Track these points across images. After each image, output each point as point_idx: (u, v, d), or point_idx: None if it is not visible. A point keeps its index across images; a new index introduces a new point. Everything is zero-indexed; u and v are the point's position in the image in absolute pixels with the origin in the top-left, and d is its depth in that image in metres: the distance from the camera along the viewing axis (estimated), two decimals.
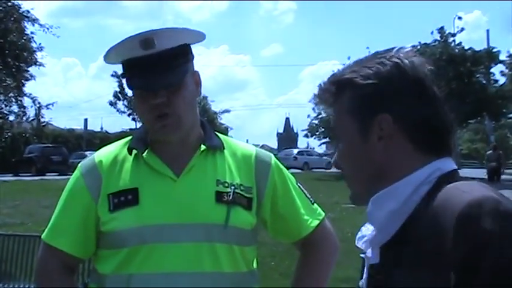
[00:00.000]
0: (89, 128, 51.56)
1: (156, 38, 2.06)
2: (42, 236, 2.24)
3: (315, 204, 2.34)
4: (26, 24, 19.65)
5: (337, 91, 1.43)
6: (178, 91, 2.09)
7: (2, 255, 5.94)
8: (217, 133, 2.28)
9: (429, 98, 1.35)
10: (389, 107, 1.34)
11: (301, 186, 2.34)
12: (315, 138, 45.44)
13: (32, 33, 20.03)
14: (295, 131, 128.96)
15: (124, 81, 2.18)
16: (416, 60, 1.38)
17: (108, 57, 2.15)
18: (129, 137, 2.26)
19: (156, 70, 2.07)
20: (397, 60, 1.37)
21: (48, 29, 19.90)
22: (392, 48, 1.42)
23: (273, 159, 2.29)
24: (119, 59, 2.12)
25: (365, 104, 1.37)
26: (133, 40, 2.06)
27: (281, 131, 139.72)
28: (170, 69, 2.08)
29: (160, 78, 2.06)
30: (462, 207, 1.15)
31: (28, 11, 19.64)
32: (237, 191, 2.14)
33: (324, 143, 45.29)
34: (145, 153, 2.16)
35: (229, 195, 2.12)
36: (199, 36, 2.22)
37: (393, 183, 1.33)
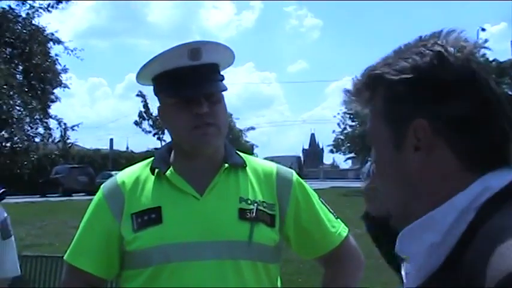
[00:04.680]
0: (114, 147, 51.88)
1: (204, 49, 2.09)
2: (65, 257, 2.25)
3: (339, 220, 2.32)
4: (50, 46, 19.88)
5: (370, 89, 1.17)
6: (219, 103, 2.13)
7: (31, 276, 5.95)
8: (237, 152, 2.28)
9: (481, 95, 1.07)
10: (427, 110, 1.07)
11: (323, 202, 2.33)
12: (340, 154, 45.37)
13: (56, 55, 20.25)
14: (320, 147, 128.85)
15: (159, 92, 2.18)
16: (467, 47, 1.10)
17: (149, 67, 2.13)
18: (151, 158, 2.27)
19: (200, 81, 2.09)
20: (439, 48, 1.09)
21: (72, 51, 20.10)
22: (440, 32, 1.13)
23: (294, 176, 2.28)
24: (162, 68, 2.11)
25: (397, 106, 1.11)
26: (182, 49, 2.08)
27: (306, 147, 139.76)
28: (213, 81, 2.13)
29: (205, 88, 2.10)
30: (504, 276, 0.90)
31: (52, 34, 19.88)
32: (260, 208, 2.13)
33: (349, 158, 45.10)
34: (167, 172, 2.16)
35: (253, 212, 2.11)
36: (233, 58, 2.24)
37: (431, 207, 1.07)
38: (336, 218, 2.31)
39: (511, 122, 1.09)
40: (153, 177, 2.17)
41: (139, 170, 2.24)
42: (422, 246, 1.07)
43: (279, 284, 2.24)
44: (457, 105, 1.06)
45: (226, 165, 2.18)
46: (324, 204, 2.32)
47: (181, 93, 2.09)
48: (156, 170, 2.17)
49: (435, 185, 1.08)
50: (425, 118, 1.07)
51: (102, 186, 2.26)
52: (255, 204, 2.13)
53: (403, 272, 1.16)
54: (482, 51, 1.18)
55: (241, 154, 2.28)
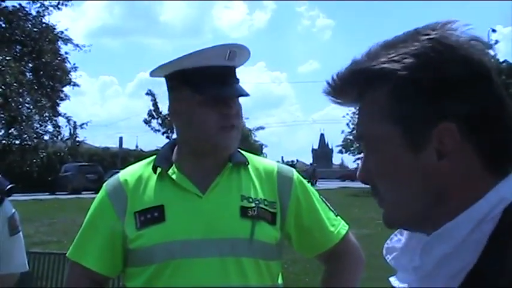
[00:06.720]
0: (124, 146, 51.93)
1: (238, 52, 2.13)
2: (68, 254, 2.27)
3: (338, 217, 2.33)
4: (60, 44, 19.95)
5: (365, 85, 1.05)
6: (240, 106, 2.16)
7: (39, 273, 5.97)
8: (239, 150, 2.28)
9: (498, 93, 1.00)
10: (452, 111, 0.97)
11: (324, 200, 2.33)
12: (349, 154, 45.27)
13: (66, 53, 20.30)
14: (330, 147, 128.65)
15: (182, 87, 2.15)
16: (478, 42, 1.01)
17: (182, 61, 2.11)
18: (153, 156, 2.28)
19: (235, 82, 2.14)
20: (453, 42, 0.99)
21: (81, 48, 20.15)
22: (437, 24, 1.03)
23: (295, 174, 2.30)
24: (195, 64, 2.09)
25: (416, 108, 0.99)
26: (224, 49, 2.11)
27: (316, 147, 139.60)
28: (239, 83, 2.17)
29: (239, 90, 2.14)
30: None
31: (62, 32, 19.94)
32: (261, 206, 2.15)
33: (358, 158, 44.97)
34: (170, 170, 2.17)
35: (254, 210, 2.13)
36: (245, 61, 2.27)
37: (453, 213, 0.98)
38: (336, 216, 2.32)
39: None
40: (155, 176, 2.19)
41: (141, 168, 2.26)
42: (435, 257, 0.99)
43: (280, 281, 2.26)
44: (479, 102, 0.98)
45: (230, 164, 2.19)
46: (325, 202, 2.33)
47: (219, 92, 2.10)
48: (159, 169, 2.18)
49: (459, 190, 1.00)
50: (450, 121, 0.97)
51: (104, 184, 2.29)
52: (257, 202, 2.15)
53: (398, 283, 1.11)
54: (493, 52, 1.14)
55: (243, 152, 2.30)
